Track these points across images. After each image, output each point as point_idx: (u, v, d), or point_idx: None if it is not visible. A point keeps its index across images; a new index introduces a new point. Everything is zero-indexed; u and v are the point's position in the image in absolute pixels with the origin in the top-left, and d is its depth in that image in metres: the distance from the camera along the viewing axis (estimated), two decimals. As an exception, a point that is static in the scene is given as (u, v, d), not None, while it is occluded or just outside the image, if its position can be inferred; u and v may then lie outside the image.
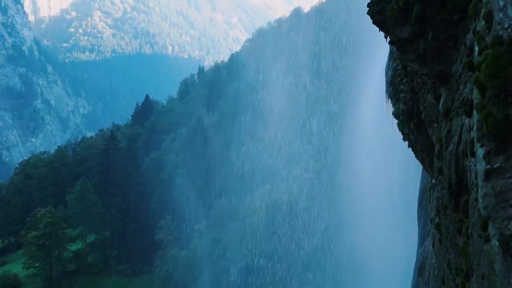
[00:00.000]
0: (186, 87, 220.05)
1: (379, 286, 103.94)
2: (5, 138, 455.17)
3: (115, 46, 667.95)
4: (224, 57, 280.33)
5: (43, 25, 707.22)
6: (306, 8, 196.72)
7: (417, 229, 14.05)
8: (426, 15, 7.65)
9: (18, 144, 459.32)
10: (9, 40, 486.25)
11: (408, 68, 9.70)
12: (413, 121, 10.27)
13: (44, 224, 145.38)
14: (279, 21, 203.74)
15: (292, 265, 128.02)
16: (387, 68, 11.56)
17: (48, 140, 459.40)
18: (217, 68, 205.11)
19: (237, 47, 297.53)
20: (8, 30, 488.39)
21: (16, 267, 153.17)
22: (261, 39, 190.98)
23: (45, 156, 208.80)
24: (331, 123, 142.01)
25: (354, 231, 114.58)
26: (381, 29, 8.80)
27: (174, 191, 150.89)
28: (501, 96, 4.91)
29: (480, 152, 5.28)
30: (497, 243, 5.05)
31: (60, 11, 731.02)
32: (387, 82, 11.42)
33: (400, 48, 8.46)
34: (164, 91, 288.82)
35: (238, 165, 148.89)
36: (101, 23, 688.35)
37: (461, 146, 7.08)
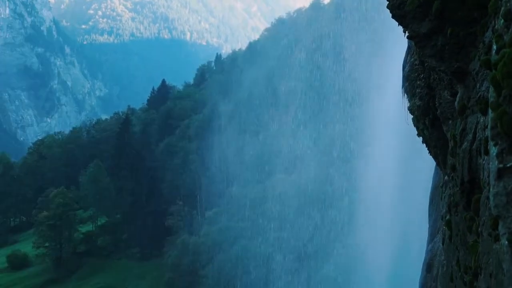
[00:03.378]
0: (202, 74, 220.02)
1: (388, 278, 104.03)
2: (20, 118, 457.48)
3: (134, 30, 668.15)
4: (242, 45, 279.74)
5: (62, 6, 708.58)
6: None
7: (427, 225, 14.03)
8: (445, 11, 7.63)
9: (33, 124, 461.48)
10: (28, 20, 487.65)
11: (426, 64, 9.68)
12: (428, 117, 10.24)
13: (55, 205, 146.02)
14: (299, 11, 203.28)
15: (302, 255, 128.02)
16: (405, 62, 11.54)
17: (63, 121, 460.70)
18: (235, 56, 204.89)
19: (255, 36, 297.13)
20: (28, 9, 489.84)
21: (26, 246, 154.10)
22: (280, 29, 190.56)
23: (60, 136, 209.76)
24: (348, 114, 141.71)
25: (366, 222, 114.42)
26: (400, 23, 8.78)
27: (186, 177, 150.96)
28: (517, 96, 4.90)
29: (493, 150, 5.28)
30: (506, 242, 5.05)
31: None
32: (403, 77, 11.40)
33: (418, 43, 8.44)
34: (181, 77, 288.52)
35: (252, 153, 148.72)
36: (121, 6, 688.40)
37: (475, 144, 7.06)
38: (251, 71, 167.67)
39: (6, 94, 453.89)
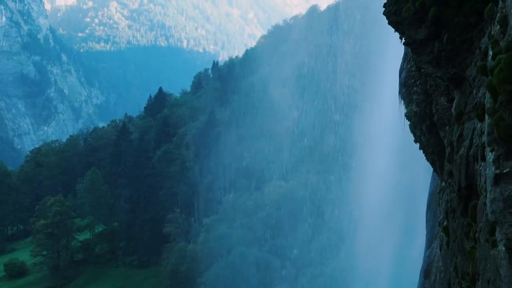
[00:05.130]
0: (199, 81, 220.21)
1: (386, 285, 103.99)
2: (17, 126, 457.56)
3: (131, 38, 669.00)
4: (239, 52, 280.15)
5: (59, 14, 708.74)
6: (323, 6, 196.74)
7: (425, 231, 14.02)
8: (442, 17, 7.62)
9: (30, 132, 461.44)
10: (25, 28, 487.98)
11: (422, 70, 9.67)
12: (425, 124, 10.25)
13: (53, 213, 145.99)
14: (295, 18, 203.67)
15: (299, 261, 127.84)
16: (401, 69, 11.54)
17: (60, 129, 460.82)
18: (232, 63, 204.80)
19: (252, 43, 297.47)
20: (24, 17, 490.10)
21: (24, 255, 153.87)
22: (277, 35, 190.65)
23: (57, 145, 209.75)
24: (344, 121, 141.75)
25: (362, 229, 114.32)
26: (396, 30, 8.78)
27: (184, 184, 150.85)
28: (514, 102, 4.90)
29: (490, 156, 5.28)
30: (503, 248, 5.04)
31: (77, 1, 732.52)
32: (400, 83, 11.40)
33: (414, 49, 8.45)
34: (178, 84, 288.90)
35: (249, 160, 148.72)
36: (117, 14, 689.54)
37: (472, 150, 7.06)
38: (248, 78, 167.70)
39: (3, 102, 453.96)
